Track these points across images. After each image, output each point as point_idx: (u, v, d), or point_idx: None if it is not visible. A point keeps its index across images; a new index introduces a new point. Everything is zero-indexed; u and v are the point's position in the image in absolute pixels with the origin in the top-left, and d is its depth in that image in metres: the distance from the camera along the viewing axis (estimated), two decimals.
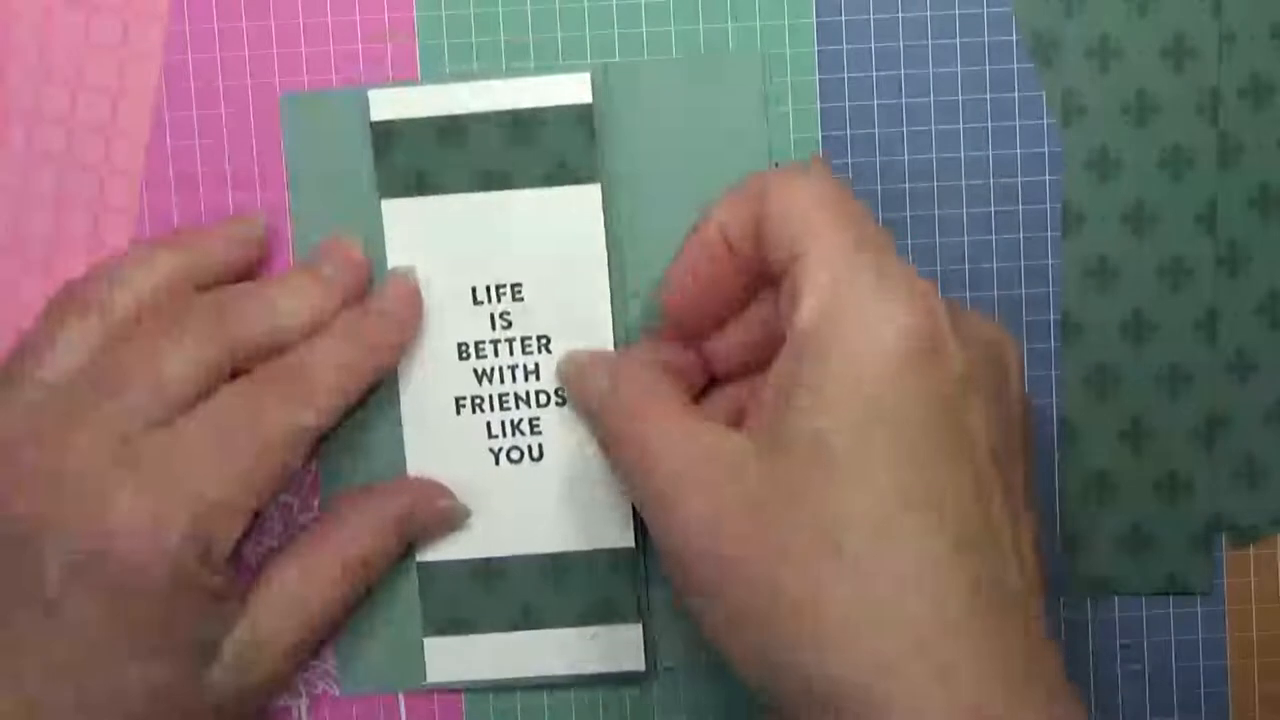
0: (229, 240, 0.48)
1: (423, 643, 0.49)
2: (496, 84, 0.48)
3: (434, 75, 0.49)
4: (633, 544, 0.49)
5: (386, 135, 0.48)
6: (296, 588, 0.47)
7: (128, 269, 0.46)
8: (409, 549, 0.49)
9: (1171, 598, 0.50)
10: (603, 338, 0.49)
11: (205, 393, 0.45)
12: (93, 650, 0.43)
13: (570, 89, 0.48)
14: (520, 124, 0.48)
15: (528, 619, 0.49)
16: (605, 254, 0.49)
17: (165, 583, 0.43)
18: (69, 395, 0.44)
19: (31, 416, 0.44)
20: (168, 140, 0.49)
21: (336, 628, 0.49)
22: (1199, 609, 0.50)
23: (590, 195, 0.48)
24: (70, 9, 0.49)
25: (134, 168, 0.49)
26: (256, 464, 0.45)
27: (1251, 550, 0.50)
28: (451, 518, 0.49)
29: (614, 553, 0.49)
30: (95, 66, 0.49)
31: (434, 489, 0.49)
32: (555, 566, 0.49)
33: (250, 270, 0.49)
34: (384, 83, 0.49)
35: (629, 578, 0.49)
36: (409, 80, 0.49)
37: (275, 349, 0.46)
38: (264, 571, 0.47)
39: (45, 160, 0.49)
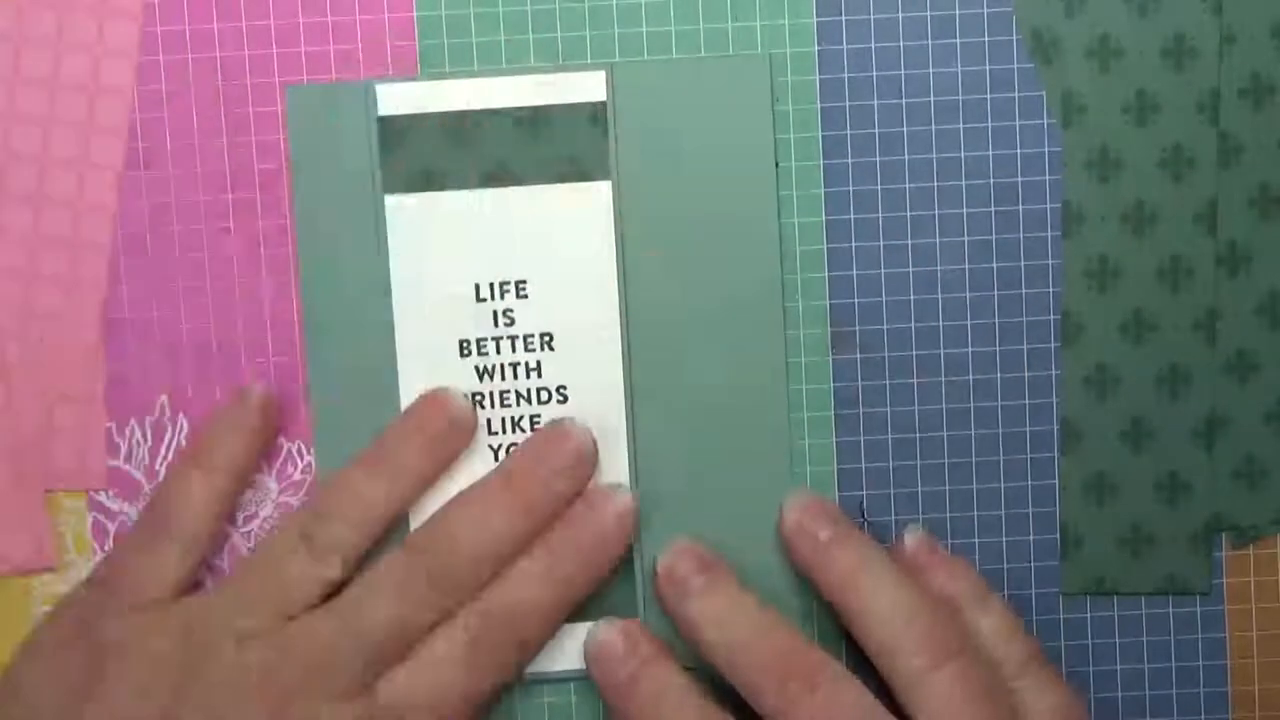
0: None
1: None
2: (508, 80, 0.48)
3: (434, 75, 0.49)
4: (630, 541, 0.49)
5: (393, 130, 0.48)
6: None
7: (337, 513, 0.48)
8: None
9: (1171, 597, 0.50)
10: (610, 335, 0.49)
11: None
12: None
13: (584, 86, 0.48)
14: (532, 120, 0.48)
15: None
16: (615, 251, 0.49)
17: None
18: (306, 654, 0.46)
19: (269, 673, 0.46)
20: (167, 139, 0.49)
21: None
22: (1199, 609, 0.50)
23: (601, 192, 0.48)
24: (42, 7, 0.48)
25: (114, 164, 0.49)
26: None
27: (1251, 550, 0.50)
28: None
29: None
30: (70, 64, 0.49)
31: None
32: None
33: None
34: (387, 77, 0.49)
35: (627, 574, 0.49)
36: (411, 78, 0.49)
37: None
38: None
39: (23, 158, 0.49)
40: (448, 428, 0.48)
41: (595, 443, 0.49)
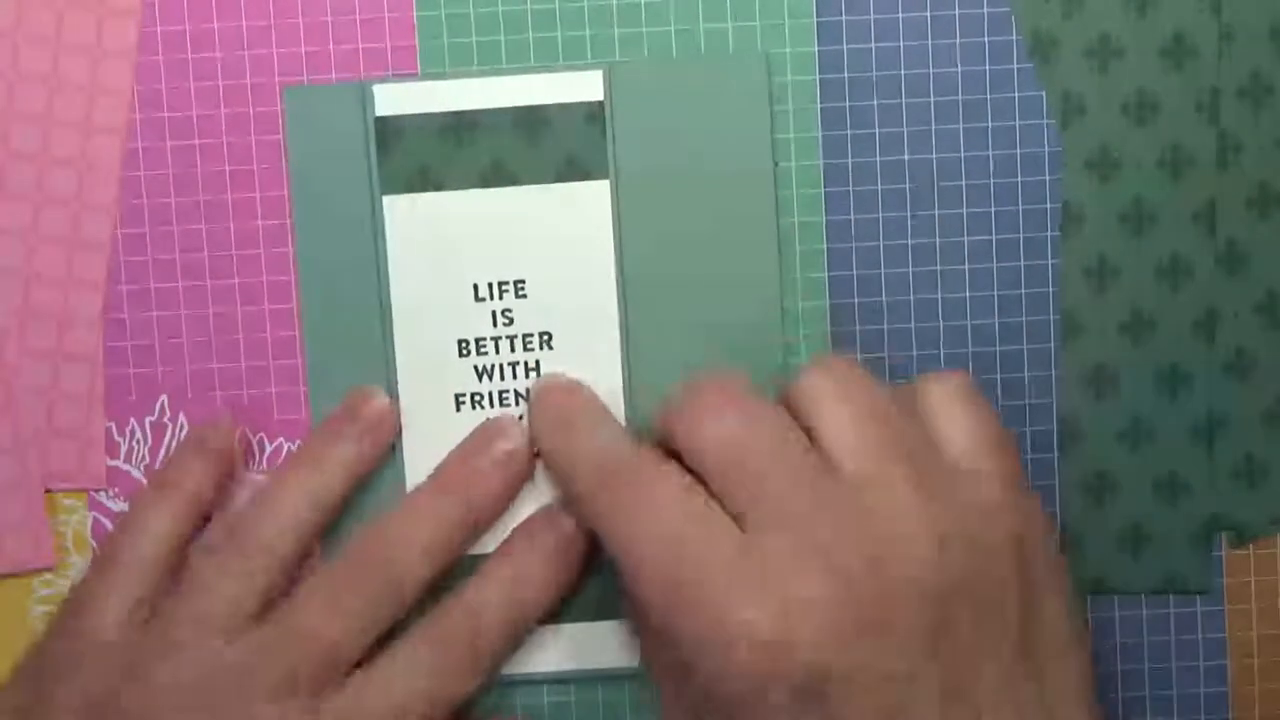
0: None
1: None
2: (506, 80, 0.48)
3: (434, 75, 0.49)
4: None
5: (390, 130, 0.48)
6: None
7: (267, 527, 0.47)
8: None
9: (1171, 598, 0.50)
10: (609, 334, 0.49)
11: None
12: None
13: (582, 86, 0.48)
14: (530, 120, 0.48)
15: None
16: (614, 250, 0.49)
17: None
18: (241, 664, 0.45)
19: (202, 683, 0.45)
20: (167, 139, 0.49)
21: None
22: (1199, 609, 0.50)
23: (599, 191, 0.48)
24: (41, 6, 0.48)
25: (114, 164, 0.49)
26: None
27: (1251, 550, 0.50)
28: None
29: None
30: (69, 64, 0.49)
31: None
32: None
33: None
34: (387, 77, 0.49)
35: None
36: (410, 78, 0.49)
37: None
38: None
39: (23, 157, 0.49)
40: (371, 422, 0.48)
41: (528, 437, 0.49)
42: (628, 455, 0.45)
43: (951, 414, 0.44)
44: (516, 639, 0.48)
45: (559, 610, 0.49)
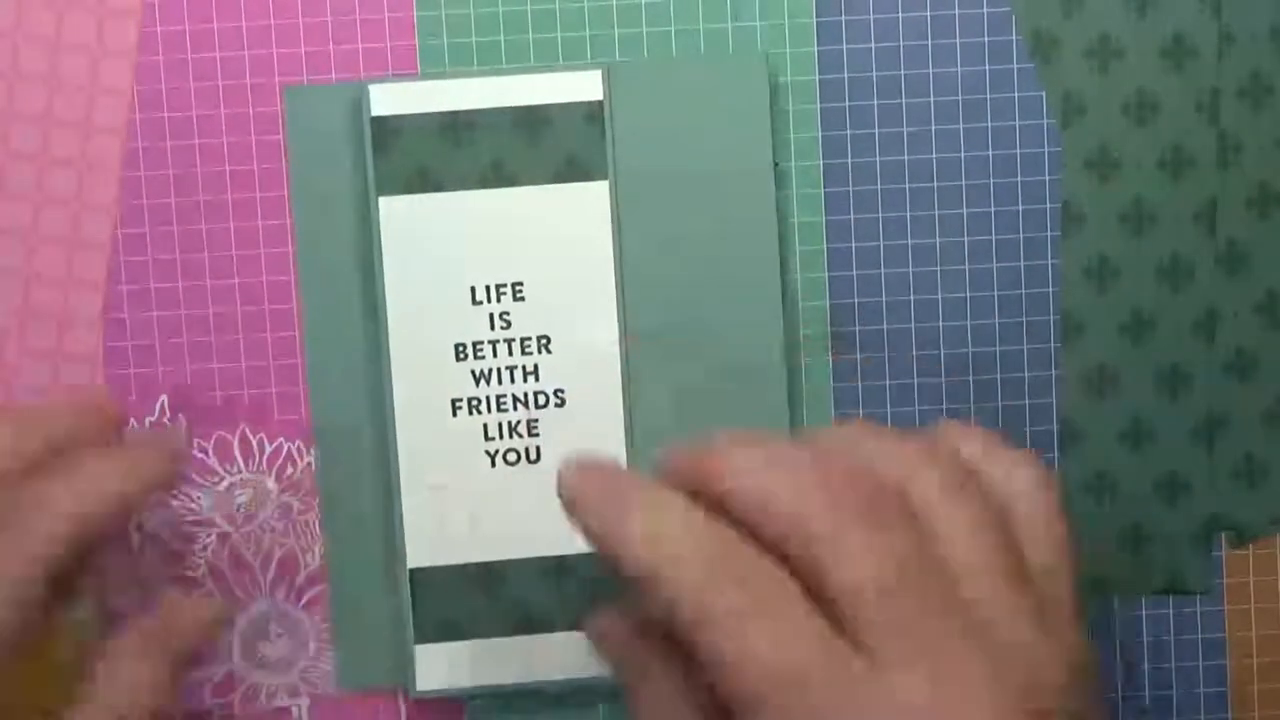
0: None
1: (414, 650, 0.49)
2: (504, 80, 0.48)
3: (434, 75, 0.49)
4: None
5: (387, 131, 0.48)
6: None
7: None
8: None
9: (1171, 598, 0.50)
10: (607, 335, 0.49)
11: None
12: None
13: (581, 86, 0.48)
14: (529, 120, 0.48)
15: (526, 623, 0.49)
16: (612, 251, 0.49)
17: None
18: None
19: None
20: (167, 139, 0.49)
21: None
22: (1199, 609, 0.50)
23: (599, 192, 0.48)
24: (41, 7, 0.48)
25: (114, 164, 0.49)
26: None
27: (1251, 550, 0.50)
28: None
29: None
30: (70, 64, 0.49)
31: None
32: (554, 570, 0.49)
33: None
34: (386, 77, 0.49)
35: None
36: (410, 78, 0.49)
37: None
38: None
39: (23, 157, 0.49)
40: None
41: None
42: (733, 552, 0.38)
43: (1037, 534, 0.39)
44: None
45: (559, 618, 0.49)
